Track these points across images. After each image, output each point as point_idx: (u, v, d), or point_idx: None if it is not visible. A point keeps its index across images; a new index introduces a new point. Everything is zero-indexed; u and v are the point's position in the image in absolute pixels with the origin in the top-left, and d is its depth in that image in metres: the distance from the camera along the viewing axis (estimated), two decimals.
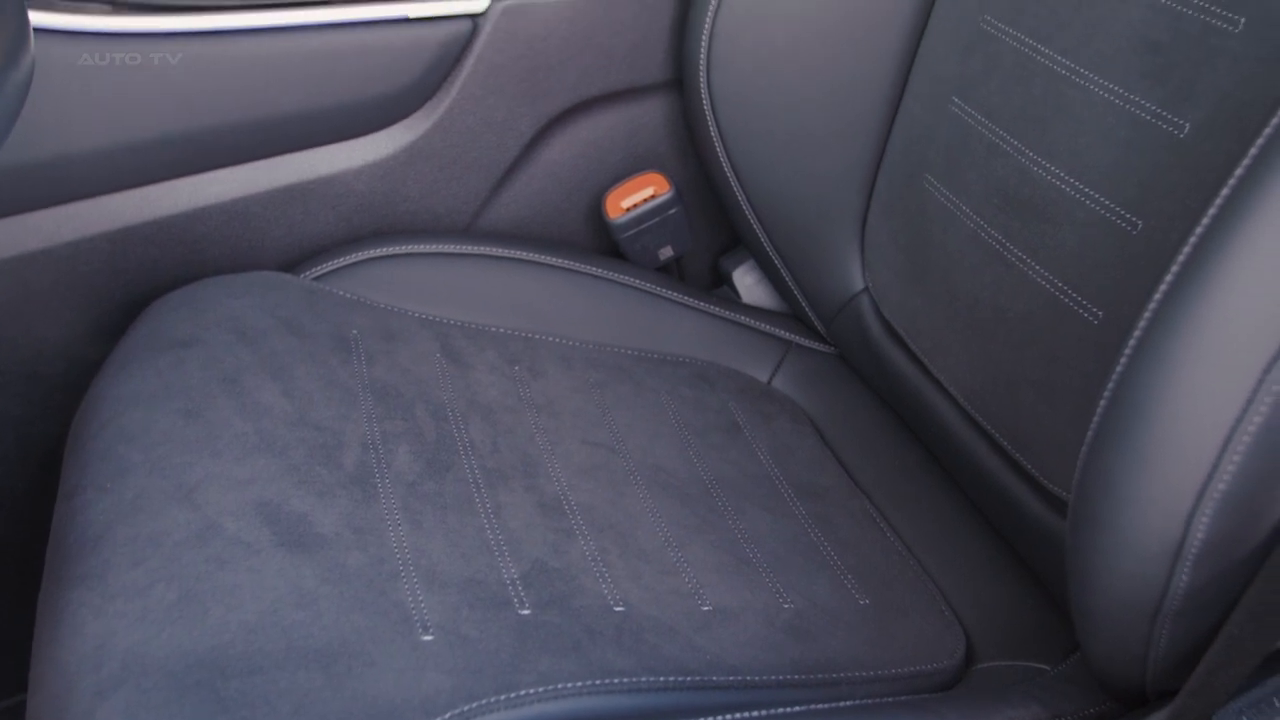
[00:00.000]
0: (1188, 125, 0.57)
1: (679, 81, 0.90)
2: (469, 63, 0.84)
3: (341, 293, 0.80)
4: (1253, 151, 0.46)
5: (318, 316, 0.76)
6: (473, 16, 0.83)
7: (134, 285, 0.83)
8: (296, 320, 0.75)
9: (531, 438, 0.73)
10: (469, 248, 0.86)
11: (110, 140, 0.77)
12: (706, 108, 0.84)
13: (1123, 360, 0.46)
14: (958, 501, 0.78)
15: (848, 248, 0.85)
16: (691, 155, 0.95)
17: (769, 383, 0.89)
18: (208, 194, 0.82)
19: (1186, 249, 0.46)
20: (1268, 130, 0.46)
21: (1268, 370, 0.41)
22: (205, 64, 0.78)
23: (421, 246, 0.85)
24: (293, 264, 0.86)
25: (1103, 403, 0.47)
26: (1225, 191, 0.46)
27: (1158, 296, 0.46)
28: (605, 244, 0.97)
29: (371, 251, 0.84)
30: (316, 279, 0.82)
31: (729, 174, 0.86)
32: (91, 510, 0.58)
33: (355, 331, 0.76)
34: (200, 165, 0.81)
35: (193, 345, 0.70)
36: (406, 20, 0.82)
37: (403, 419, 0.70)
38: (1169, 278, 0.46)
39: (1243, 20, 0.54)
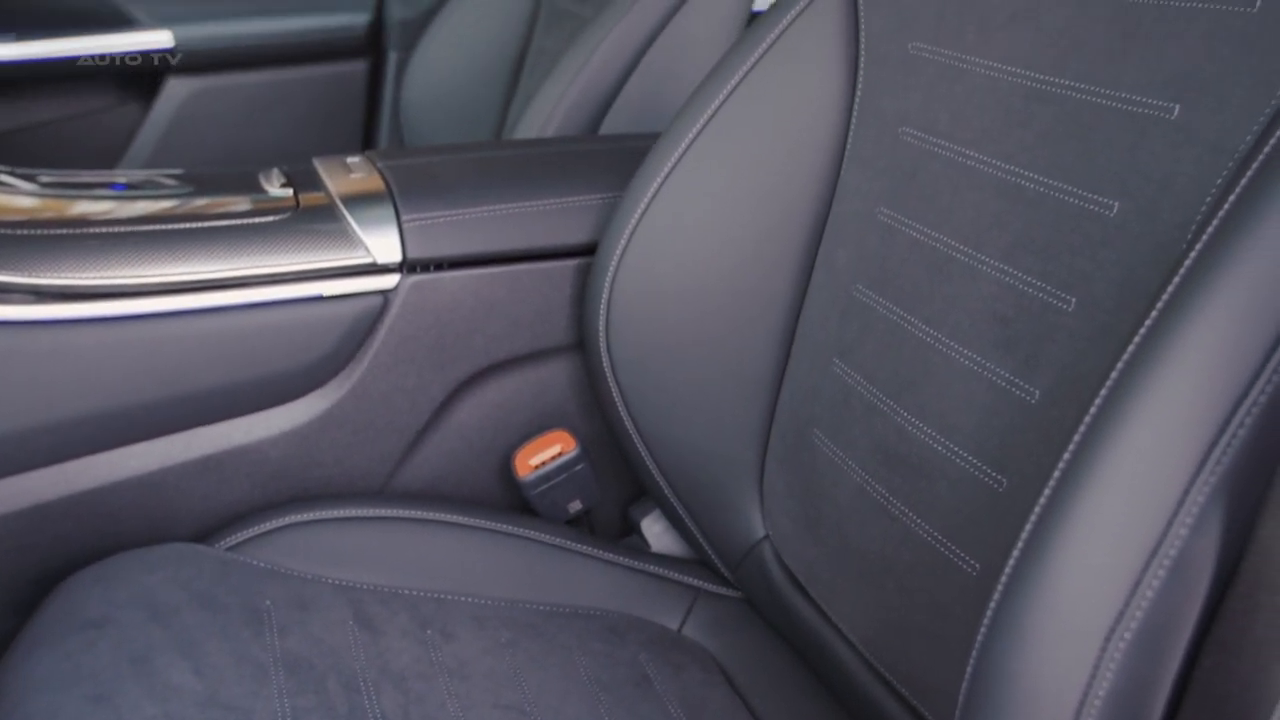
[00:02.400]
0: (1038, 392, 0.62)
1: (581, 344, 0.96)
2: (381, 334, 0.89)
3: (256, 562, 0.81)
4: (1087, 420, 0.51)
5: (231, 588, 0.77)
6: (384, 292, 0.88)
7: (48, 560, 0.84)
8: (210, 593, 0.76)
9: (443, 704, 0.74)
10: (382, 510, 0.89)
11: (27, 422, 0.79)
12: (607, 370, 0.89)
13: (984, 626, 0.50)
14: None
15: (748, 497, 0.89)
16: (596, 412, 1.00)
17: (679, 630, 0.91)
18: (123, 468, 0.84)
19: (1033, 516, 0.50)
20: (1102, 394, 0.51)
21: (1108, 639, 0.45)
22: (125, 346, 0.81)
23: (336, 511, 0.87)
24: (208, 533, 0.87)
25: (969, 668, 0.50)
26: (1065, 458, 0.51)
27: (1011, 562, 0.50)
28: (516, 500, 1.00)
29: (286, 518, 0.86)
30: (231, 548, 0.83)
31: (631, 430, 0.90)
32: None
33: (268, 602, 0.77)
34: (116, 441, 0.84)
35: (104, 625, 0.71)
36: (321, 298, 0.86)
37: (314, 693, 0.70)
38: (1019, 544, 0.50)
39: (1074, 300, 0.61)
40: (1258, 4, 0.53)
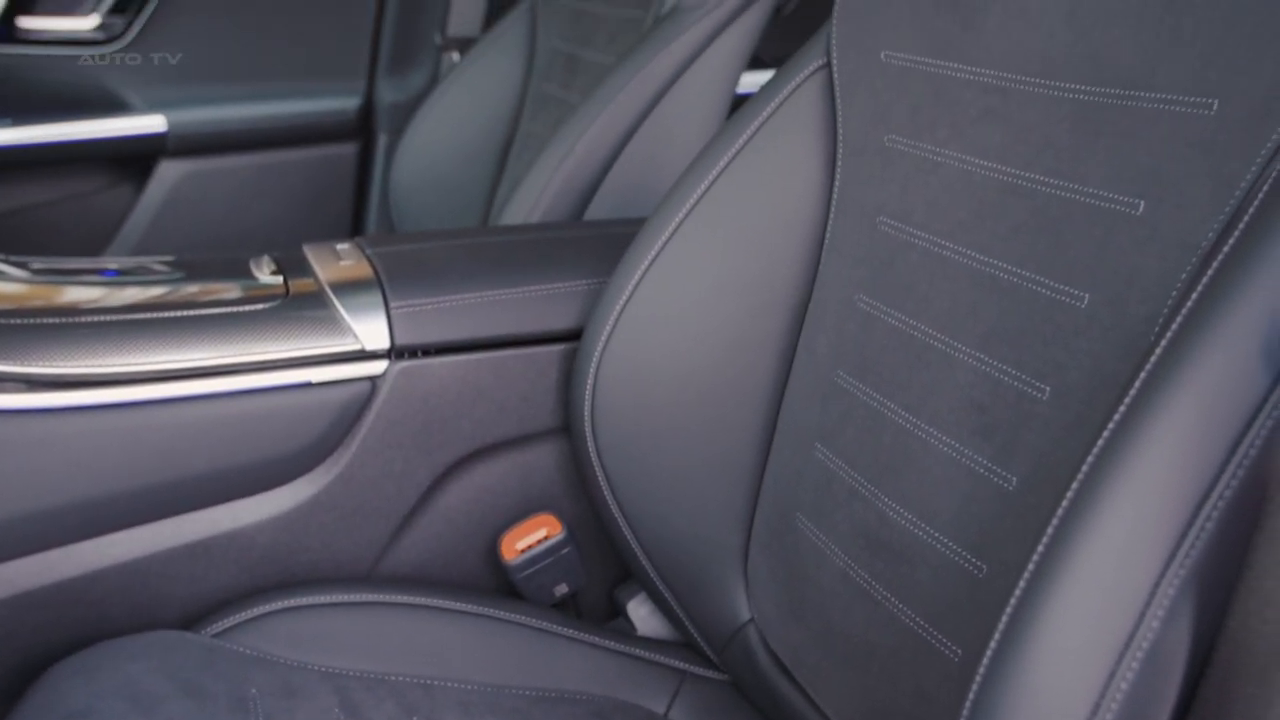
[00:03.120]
0: (1015, 479, 0.63)
1: (567, 428, 0.97)
2: (369, 420, 0.90)
3: (242, 649, 0.81)
4: (1059, 512, 0.52)
5: (217, 676, 0.77)
6: (372, 378, 0.89)
7: (31, 649, 0.83)
8: (195, 682, 0.76)
9: None
10: (369, 596, 0.89)
11: (13, 510, 0.79)
12: (593, 453, 0.89)
13: (964, 714, 0.50)
14: None
15: (732, 580, 0.89)
16: (582, 495, 1.00)
17: (666, 714, 0.91)
18: (109, 555, 0.84)
19: (1010, 605, 0.51)
20: (1074, 486, 0.52)
21: None
22: (114, 433, 0.82)
23: (322, 597, 0.88)
24: (194, 620, 0.87)
25: None
26: (1040, 550, 0.52)
27: (989, 651, 0.51)
28: (502, 583, 1.00)
29: (273, 604, 0.86)
30: (218, 635, 0.83)
31: (616, 514, 0.91)
32: None
33: (254, 690, 0.77)
34: (103, 528, 0.84)
35: (88, 715, 0.71)
36: (310, 385, 0.87)
37: None
38: (997, 633, 0.51)
39: (1048, 389, 0.62)
40: (1214, 107, 0.55)
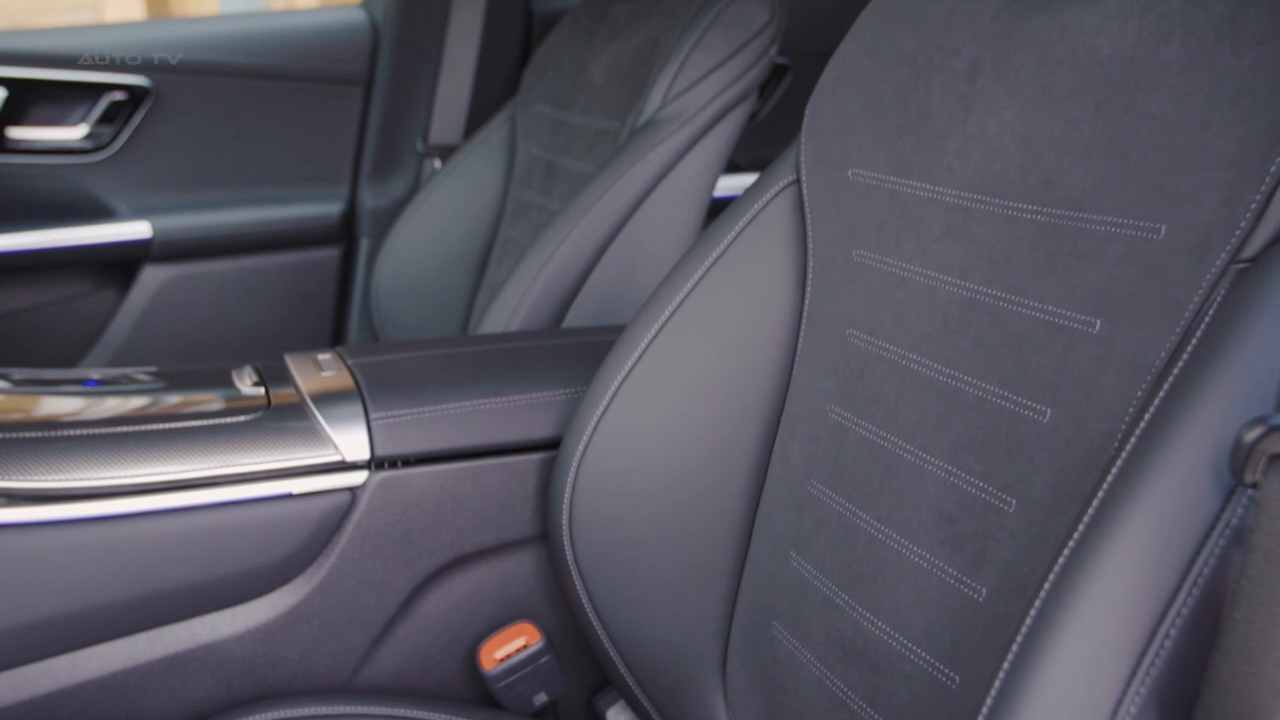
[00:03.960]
0: (984, 590, 0.64)
1: (545, 535, 0.97)
2: (348, 530, 0.90)
3: None
4: (1023, 630, 0.53)
5: None
6: (352, 489, 0.90)
7: None
8: None
9: None
10: (347, 708, 0.88)
11: None
12: (571, 561, 0.90)
13: None
14: None
15: (711, 689, 0.89)
16: (561, 602, 1.01)
17: None
18: (85, 670, 0.84)
19: (983, 714, 0.52)
20: (1037, 604, 0.53)
21: None
22: (93, 547, 0.82)
23: (300, 710, 0.87)
24: None
25: None
26: (1005, 667, 0.53)
27: None
28: (481, 692, 1.00)
29: (250, 719, 0.86)
30: None
31: (594, 622, 0.91)
32: None
33: None
34: (79, 642, 0.84)
35: None
36: (290, 496, 0.88)
37: None
38: None
39: (1014, 502, 0.63)
40: (1162, 232, 0.57)
